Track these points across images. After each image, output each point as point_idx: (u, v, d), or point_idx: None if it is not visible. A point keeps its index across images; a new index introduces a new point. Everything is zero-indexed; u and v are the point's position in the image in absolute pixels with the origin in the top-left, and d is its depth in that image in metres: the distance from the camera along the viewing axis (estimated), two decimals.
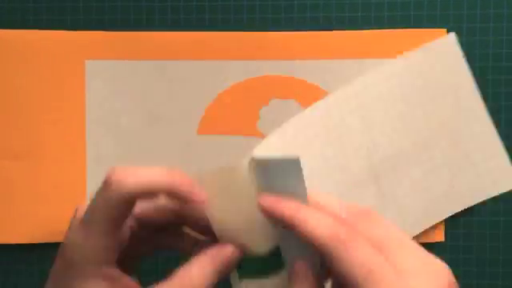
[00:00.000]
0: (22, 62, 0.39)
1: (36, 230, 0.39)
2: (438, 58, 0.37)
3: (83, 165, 0.39)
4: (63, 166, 0.39)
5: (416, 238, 0.38)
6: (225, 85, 0.39)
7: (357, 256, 0.22)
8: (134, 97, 0.39)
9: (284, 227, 0.24)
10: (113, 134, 0.39)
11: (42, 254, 0.40)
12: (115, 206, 0.25)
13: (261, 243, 0.26)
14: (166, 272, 0.40)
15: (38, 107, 0.39)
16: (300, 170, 0.23)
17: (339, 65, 0.38)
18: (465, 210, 0.38)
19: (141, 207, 0.28)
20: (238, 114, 0.39)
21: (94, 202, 0.25)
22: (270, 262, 0.26)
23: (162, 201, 0.28)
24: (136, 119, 0.39)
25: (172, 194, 0.25)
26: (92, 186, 0.39)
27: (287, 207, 0.24)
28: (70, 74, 0.39)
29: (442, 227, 0.38)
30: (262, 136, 0.39)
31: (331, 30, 0.38)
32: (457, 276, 0.39)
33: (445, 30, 0.38)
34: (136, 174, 0.25)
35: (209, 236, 0.28)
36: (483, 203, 0.39)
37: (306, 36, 0.38)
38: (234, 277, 0.27)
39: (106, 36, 0.39)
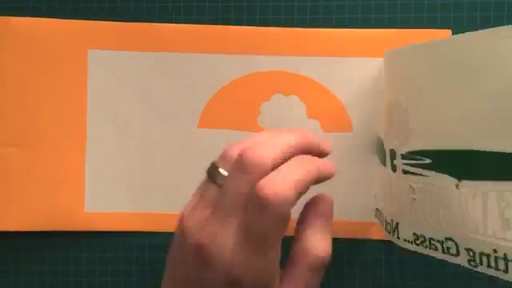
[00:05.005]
0: (24, 49, 0.39)
1: (35, 217, 0.39)
2: None
3: (83, 154, 0.39)
4: (63, 155, 0.39)
5: None
6: (226, 79, 0.39)
7: None
8: (136, 88, 0.39)
9: None
10: (113, 124, 0.39)
11: (41, 242, 0.39)
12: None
13: None
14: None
15: (39, 95, 0.39)
16: None
17: (341, 62, 0.38)
18: None
19: None
20: (238, 108, 0.39)
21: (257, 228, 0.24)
22: None
23: None
24: (137, 110, 0.39)
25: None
26: (91, 175, 0.39)
27: None
28: (73, 62, 0.39)
29: None
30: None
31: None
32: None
33: (449, 30, 0.38)
34: (286, 181, 0.24)
35: None
36: None
37: (308, 33, 0.39)
38: None
39: (109, 26, 0.39)
